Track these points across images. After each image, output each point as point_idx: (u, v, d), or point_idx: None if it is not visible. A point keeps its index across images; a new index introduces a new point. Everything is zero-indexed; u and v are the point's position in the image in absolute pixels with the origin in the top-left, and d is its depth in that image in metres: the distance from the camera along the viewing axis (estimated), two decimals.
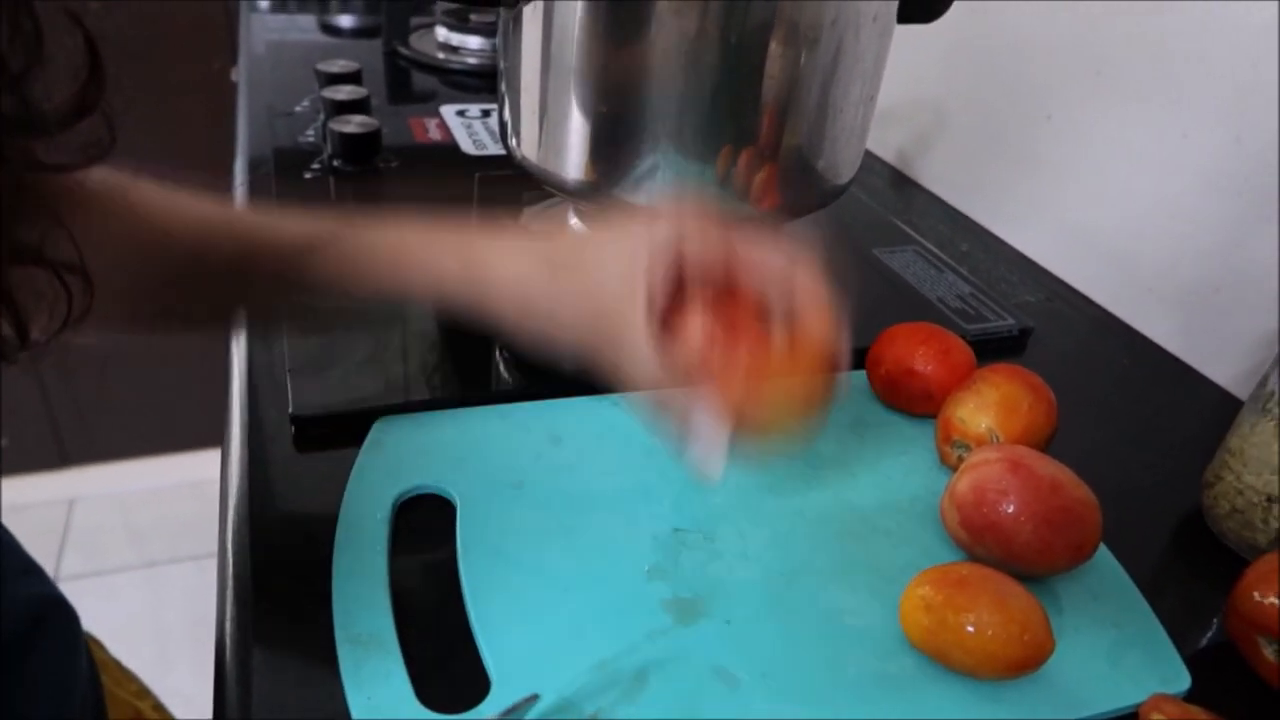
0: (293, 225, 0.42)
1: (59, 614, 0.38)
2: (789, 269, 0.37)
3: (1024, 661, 0.37)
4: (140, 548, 1.66)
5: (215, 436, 0.53)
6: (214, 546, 0.44)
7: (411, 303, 0.41)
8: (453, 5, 1.15)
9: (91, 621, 0.41)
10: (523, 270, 0.39)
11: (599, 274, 0.38)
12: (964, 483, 0.44)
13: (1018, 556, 0.42)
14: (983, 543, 0.43)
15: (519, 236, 0.41)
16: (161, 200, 0.41)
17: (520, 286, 0.39)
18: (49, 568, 1.62)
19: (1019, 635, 0.37)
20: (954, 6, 0.62)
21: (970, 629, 0.37)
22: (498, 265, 0.39)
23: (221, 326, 0.44)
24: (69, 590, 0.39)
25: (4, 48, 0.23)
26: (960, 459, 0.49)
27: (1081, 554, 0.42)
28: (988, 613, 0.37)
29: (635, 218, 0.40)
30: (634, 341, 0.36)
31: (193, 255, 0.40)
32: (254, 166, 0.80)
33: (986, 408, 0.49)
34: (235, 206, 0.42)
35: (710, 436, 0.36)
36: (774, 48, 0.52)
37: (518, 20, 0.55)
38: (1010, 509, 0.42)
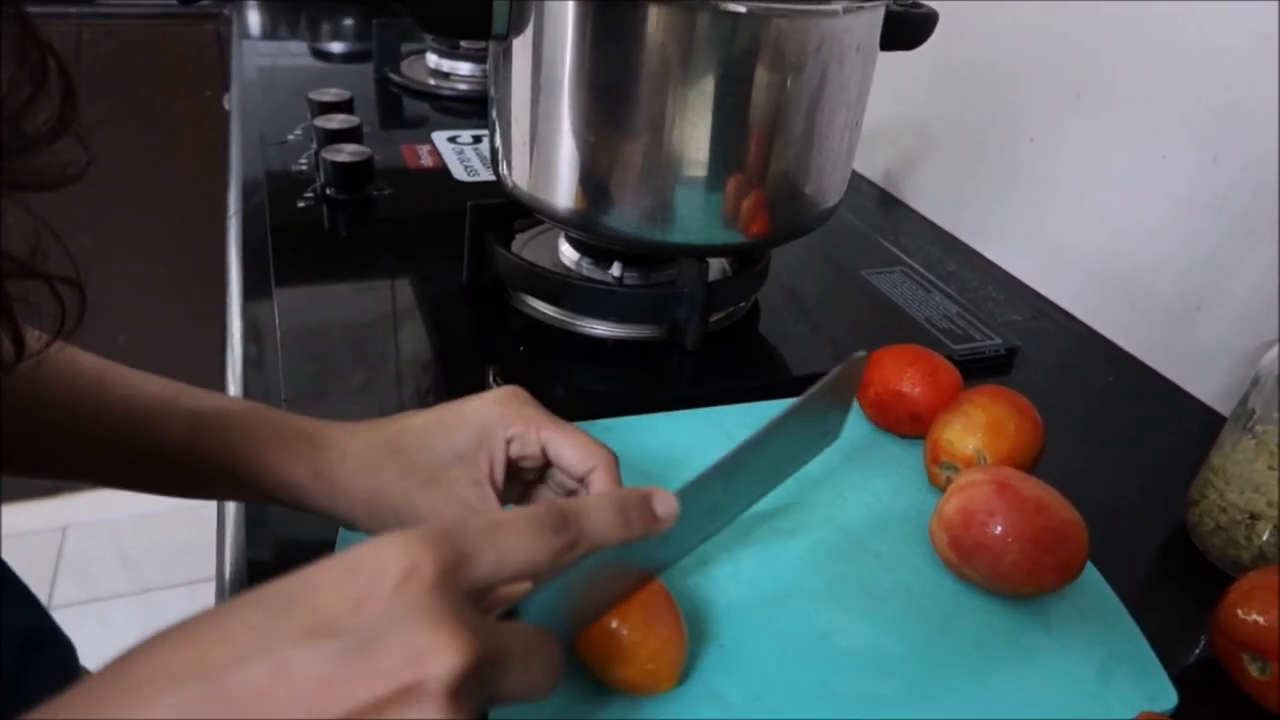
0: (192, 399, 0.42)
1: (54, 647, 0.38)
2: (592, 466, 0.39)
3: (638, 685, 0.37)
4: (133, 574, 1.65)
5: None
6: (207, 572, 0.45)
7: (268, 503, 0.41)
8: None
9: (85, 649, 0.41)
10: (371, 464, 0.39)
11: (442, 459, 0.39)
12: (952, 504, 0.44)
13: (1006, 576, 0.43)
14: (971, 563, 0.43)
15: (364, 427, 0.41)
16: (98, 370, 0.41)
17: (371, 483, 0.39)
18: (42, 595, 1.61)
19: (644, 659, 0.36)
20: (936, 33, 0.63)
21: (616, 627, 0.36)
22: (346, 461, 0.39)
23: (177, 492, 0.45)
24: (62, 618, 0.39)
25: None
26: (949, 480, 0.50)
27: (1069, 573, 0.43)
28: (631, 626, 0.36)
29: (463, 400, 0.41)
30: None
31: (113, 428, 0.40)
32: (247, 195, 0.81)
33: (973, 429, 0.49)
34: (151, 378, 0.42)
35: None
36: (760, 76, 0.53)
37: (508, 53, 0.56)
38: (998, 530, 0.42)
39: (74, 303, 0.27)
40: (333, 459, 0.39)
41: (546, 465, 0.41)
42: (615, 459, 0.40)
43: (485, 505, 0.38)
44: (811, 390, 0.38)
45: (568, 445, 0.40)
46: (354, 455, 0.39)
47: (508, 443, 0.40)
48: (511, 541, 0.27)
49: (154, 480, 0.42)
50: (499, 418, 0.40)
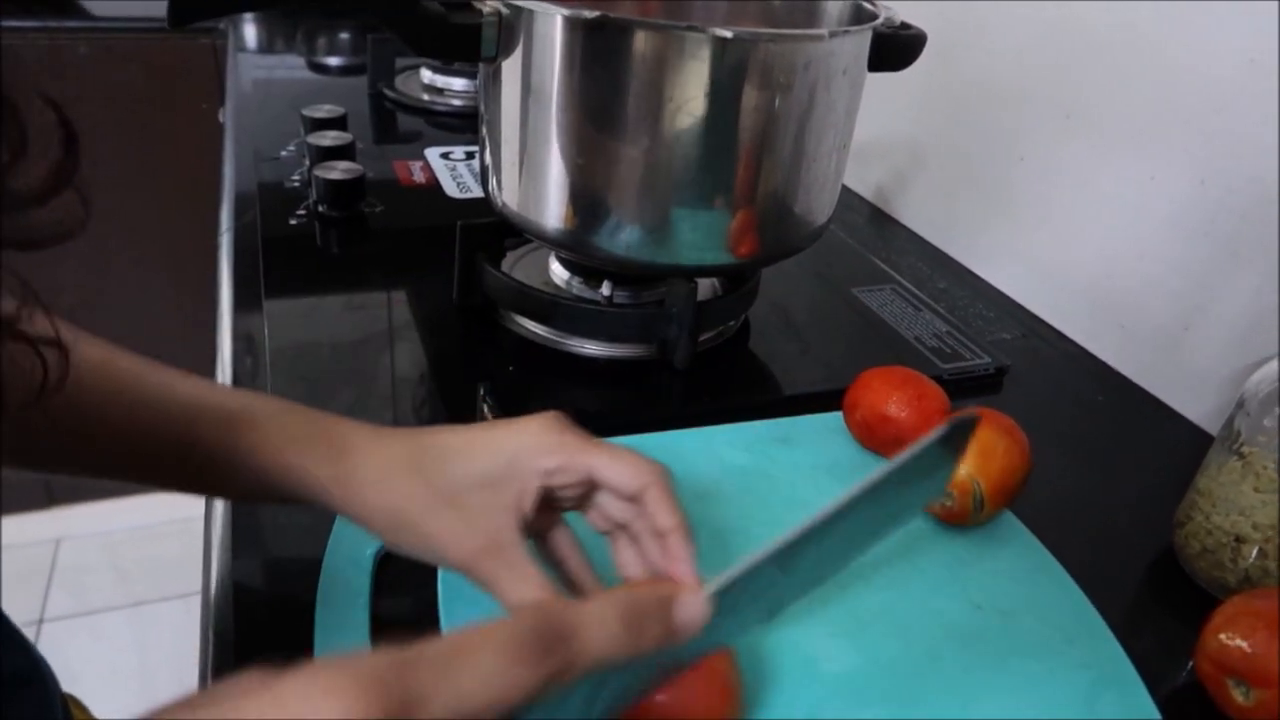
0: (226, 398, 0.41)
1: (34, 680, 0.37)
2: (646, 484, 0.37)
3: None
4: (126, 586, 1.65)
5: None
6: (200, 585, 0.44)
7: (300, 503, 0.39)
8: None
9: (78, 661, 0.41)
10: (390, 477, 0.37)
11: (465, 481, 0.37)
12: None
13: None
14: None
15: (391, 438, 0.39)
16: (134, 374, 0.40)
17: (389, 497, 0.37)
18: (35, 608, 1.61)
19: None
20: (927, 52, 0.63)
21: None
22: (362, 471, 0.38)
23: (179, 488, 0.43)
24: (55, 631, 0.38)
25: None
26: (942, 506, 0.50)
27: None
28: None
29: (500, 424, 0.39)
30: (510, 560, 0.36)
31: (147, 431, 0.39)
32: (240, 211, 0.81)
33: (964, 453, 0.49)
34: (186, 379, 0.41)
35: None
36: (747, 100, 0.53)
37: (497, 74, 0.57)
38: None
39: (56, 363, 0.26)
40: (350, 467, 0.37)
41: (591, 491, 0.39)
42: (668, 475, 0.37)
43: (505, 535, 0.36)
44: (908, 453, 0.33)
45: (615, 466, 0.37)
46: (372, 467, 0.37)
47: (546, 474, 0.37)
48: (476, 678, 0.23)
49: (189, 479, 0.41)
50: (535, 447, 0.37)
